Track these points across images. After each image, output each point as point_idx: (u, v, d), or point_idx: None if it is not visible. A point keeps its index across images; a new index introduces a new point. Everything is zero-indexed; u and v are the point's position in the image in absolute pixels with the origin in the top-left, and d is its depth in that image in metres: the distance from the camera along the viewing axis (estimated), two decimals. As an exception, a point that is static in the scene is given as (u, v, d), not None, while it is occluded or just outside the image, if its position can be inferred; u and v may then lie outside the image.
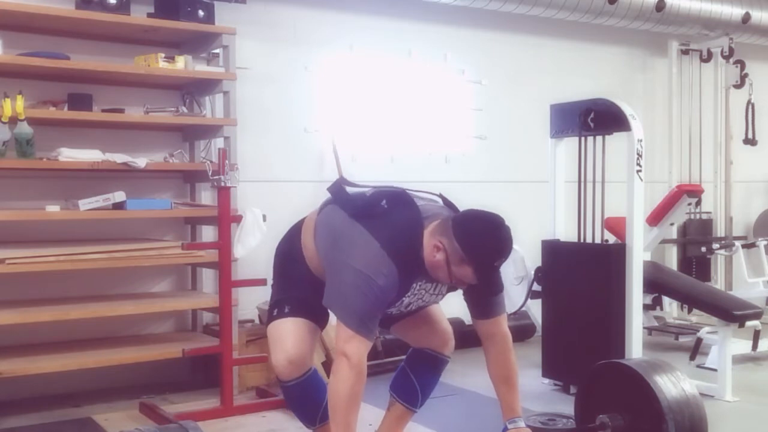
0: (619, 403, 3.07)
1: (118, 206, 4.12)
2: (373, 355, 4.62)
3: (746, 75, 6.76)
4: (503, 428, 2.79)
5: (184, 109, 4.52)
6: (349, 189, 2.83)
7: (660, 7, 6.10)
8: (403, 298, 2.68)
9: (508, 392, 2.79)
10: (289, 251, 2.93)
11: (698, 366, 4.87)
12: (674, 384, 2.98)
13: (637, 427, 3.00)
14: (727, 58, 6.73)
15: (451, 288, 2.77)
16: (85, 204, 4.04)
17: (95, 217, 4.16)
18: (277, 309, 2.85)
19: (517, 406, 2.79)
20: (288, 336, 2.78)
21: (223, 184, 3.88)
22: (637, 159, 4.05)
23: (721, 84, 6.93)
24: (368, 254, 2.51)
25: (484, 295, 2.74)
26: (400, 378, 3.08)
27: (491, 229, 2.52)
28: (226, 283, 3.95)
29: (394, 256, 2.50)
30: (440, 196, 2.82)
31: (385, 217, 2.59)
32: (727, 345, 4.25)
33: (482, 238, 2.50)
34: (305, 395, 2.85)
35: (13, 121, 3.84)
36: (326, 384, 2.86)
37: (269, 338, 2.89)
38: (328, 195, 2.85)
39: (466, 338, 3.83)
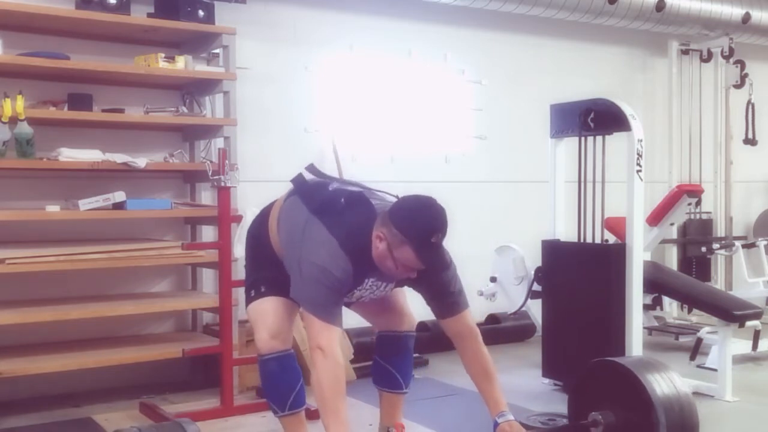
0: (611, 401, 3.08)
1: (118, 206, 4.12)
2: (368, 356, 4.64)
3: (746, 75, 6.75)
4: (494, 423, 2.86)
5: (184, 109, 4.53)
6: (313, 179, 3.01)
7: (660, 7, 6.10)
8: (355, 291, 2.82)
9: (490, 387, 2.89)
10: (257, 235, 3.08)
11: (698, 366, 4.87)
12: (666, 382, 2.99)
13: (628, 424, 3.01)
14: (727, 58, 6.73)
15: (399, 283, 2.91)
16: (85, 204, 4.04)
17: (95, 217, 4.16)
18: (254, 290, 2.98)
19: (502, 400, 2.88)
20: (268, 313, 2.91)
21: (223, 184, 3.88)
22: (637, 159, 4.05)
23: (721, 84, 6.93)
24: (327, 251, 2.66)
25: (441, 290, 2.84)
26: (377, 368, 3.20)
27: (423, 207, 2.66)
28: (226, 283, 3.95)
29: (349, 253, 2.66)
30: (397, 197, 2.90)
31: (342, 216, 2.75)
32: (727, 345, 4.25)
33: (416, 216, 2.63)
34: (282, 371, 2.91)
35: (13, 121, 3.84)
36: (301, 372, 2.98)
37: (250, 318, 3.01)
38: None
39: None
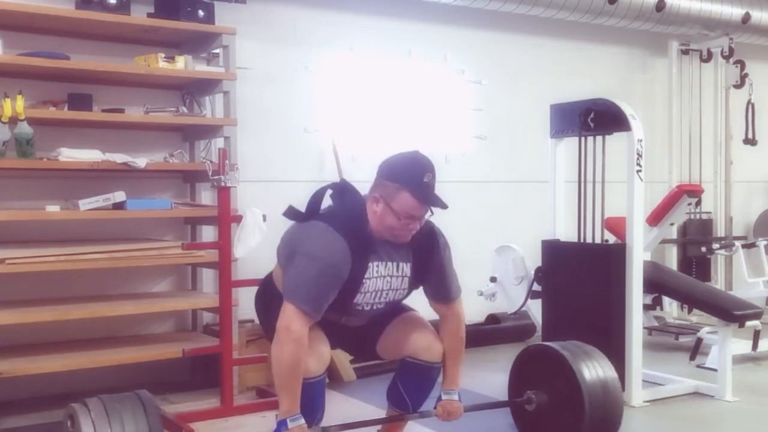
0: (545, 381, 3.36)
1: (118, 206, 4.12)
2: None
3: (746, 75, 6.76)
4: (438, 397, 3.03)
5: (184, 109, 4.52)
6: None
7: (660, 7, 6.10)
8: (365, 281, 2.79)
9: (453, 366, 3.05)
10: (266, 291, 3.13)
11: (698, 366, 4.88)
12: (594, 366, 3.27)
13: (558, 402, 3.29)
14: (727, 58, 6.73)
15: (416, 266, 2.91)
16: (85, 204, 4.04)
17: (95, 217, 4.16)
18: None
19: (457, 380, 3.06)
20: (311, 341, 2.78)
21: (223, 184, 3.88)
22: (637, 159, 4.05)
23: (721, 84, 6.93)
24: (317, 236, 2.73)
25: (440, 278, 2.97)
26: (393, 388, 3.13)
27: (409, 155, 2.83)
28: (226, 283, 3.95)
29: (343, 232, 2.71)
30: None
31: (332, 207, 2.87)
32: (727, 345, 4.25)
33: (404, 163, 2.79)
34: (307, 398, 2.82)
35: (13, 121, 3.84)
36: (324, 403, 2.92)
37: None
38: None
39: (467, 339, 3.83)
